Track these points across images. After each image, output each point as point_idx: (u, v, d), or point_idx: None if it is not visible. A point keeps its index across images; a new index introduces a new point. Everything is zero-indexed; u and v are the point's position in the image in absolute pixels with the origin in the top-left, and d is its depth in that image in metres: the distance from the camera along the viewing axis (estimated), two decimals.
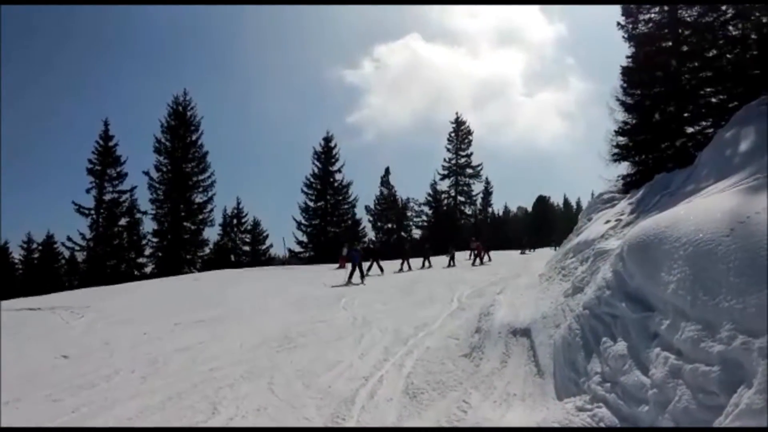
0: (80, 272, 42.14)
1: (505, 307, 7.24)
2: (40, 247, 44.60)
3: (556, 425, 3.47)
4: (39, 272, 41.52)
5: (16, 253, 44.53)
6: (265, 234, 50.12)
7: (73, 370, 6.60)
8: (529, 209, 70.92)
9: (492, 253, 26.64)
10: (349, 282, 17.07)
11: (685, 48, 10.56)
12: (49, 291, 21.65)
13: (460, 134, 56.64)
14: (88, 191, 43.20)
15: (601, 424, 3.27)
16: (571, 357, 4.07)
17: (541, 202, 67.97)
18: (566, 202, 75.65)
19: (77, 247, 42.91)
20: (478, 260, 23.95)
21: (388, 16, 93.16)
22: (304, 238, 49.35)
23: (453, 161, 56.55)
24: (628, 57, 11.40)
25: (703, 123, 10.30)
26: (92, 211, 42.97)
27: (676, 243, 3.21)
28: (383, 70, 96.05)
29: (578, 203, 69.59)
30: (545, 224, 56.36)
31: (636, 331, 3.40)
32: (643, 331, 3.34)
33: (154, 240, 44.98)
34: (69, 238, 42.51)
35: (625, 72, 11.33)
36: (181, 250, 44.06)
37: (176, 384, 5.68)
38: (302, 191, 50.66)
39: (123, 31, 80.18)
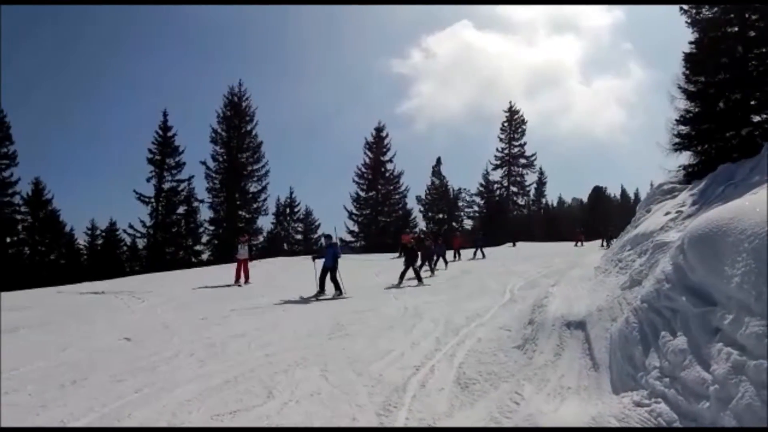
0: (141, 258, 43.67)
1: (559, 299, 7.14)
2: (103, 234, 46.47)
3: (612, 419, 3.41)
4: (102, 258, 43.22)
5: (81, 240, 46.45)
6: (317, 223, 50.94)
7: (135, 353, 6.84)
8: (585, 200, 69.41)
9: (545, 245, 26.11)
10: (319, 293, 12.82)
11: (752, 33, 10.10)
12: (112, 276, 22.47)
13: (514, 123, 55.90)
14: (148, 180, 44.94)
15: (660, 420, 3.19)
16: (629, 351, 3.98)
17: (597, 192, 66.27)
18: (623, 193, 73.54)
19: (138, 234, 44.79)
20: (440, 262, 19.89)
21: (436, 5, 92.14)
22: (356, 228, 49.91)
23: (506, 151, 55.91)
24: (691, 43, 10.98)
25: None
26: (152, 200, 44.64)
27: (741, 235, 3.09)
28: (433, 59, 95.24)
29: (636, 194, 67.55)
30: (601, 216, 54.93)
31: (697, 326, 3.30)
32: (704, 325, 3.24)
33: (211, 228, 46.42)
34: (130, 226, 44.43)
35: (688, 58, 10.92)
36: (236, 238, 45.06)
37: (233, 368, 5.82)
38: (354, 181, 51.23)
39: (181, 27, 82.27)
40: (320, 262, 13.26)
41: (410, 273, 14.93)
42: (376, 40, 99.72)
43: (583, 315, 5.84)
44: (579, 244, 32.01)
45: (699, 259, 3.49)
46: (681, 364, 3.25)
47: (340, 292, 12.60)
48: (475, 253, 24.95)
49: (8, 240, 41.08)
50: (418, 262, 15.94)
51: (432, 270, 17.88)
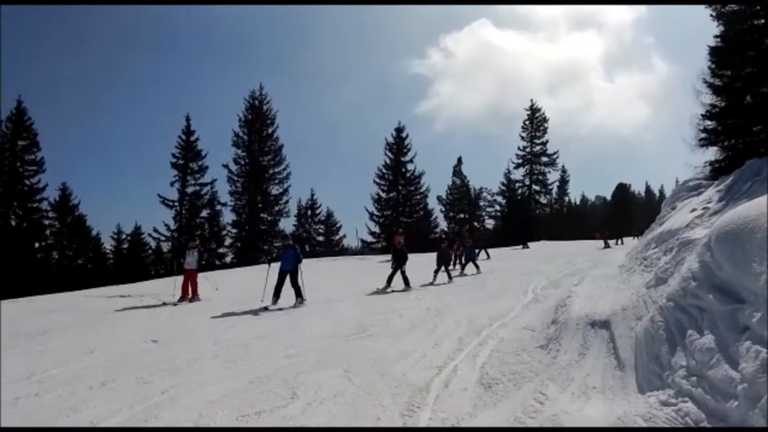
0: (165, 261, 44.22)
1: (582, 299, 7.07)
2: (129, 238, 47.16)
3: (638, 419, 3.37)
4: (128, 262, 43.81)
5: (108, 244, 47.19)
6: (338, 225, 51.21)
7: (160, 354, 6.93)
8: (608, 198, 68.59)
9: (568, 244, 25.73)
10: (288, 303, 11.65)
11: None
12: (138, 279, 22.76)
13: (535, 121, 55.43)
14: (172, 184, 45.54)
15: (687, 419, 3.14)
16: (655, 350, 3.93)
17: (621, 190, 65.39)
18: (648, 190, 72.51)
19: (162, 238, 45.47)
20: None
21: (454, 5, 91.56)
22: (377, 229, 49.87)
23: (527, 149, 55.47)
24: (716, 36, 10.77)
25: None
26: (176, 203, 45.24)
27: None
28: (451, 59, 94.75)
29: (661, 191, 66.54)
30: (625, 213, 54.21)
31: (724, 324, 3.25)
32: (732, 323, 3.19)
33: (233, 231, 46.83)
34: (155, 229, 45.11)
35: (714, 52, 10.72)
36: (258, 240, 45.46)
37: (257, 369, 5.88)
38: (374, 182, 51.22)
39: (204, 31, 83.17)
40: (276, 267, 11.98)
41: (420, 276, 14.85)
42: (395, 41, 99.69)
43: (608, 314, 5.77)
44: (605, 244, 30.48)
45: (726, 257, 3.44)
46: (708, 362, 3.20)
47: (302, 300, 11.49)
48: (478, 254, 24.75)
49: (37, 245, 41.90)
50: (406, 266, 14.30)
51: (462, 271, 17.51)
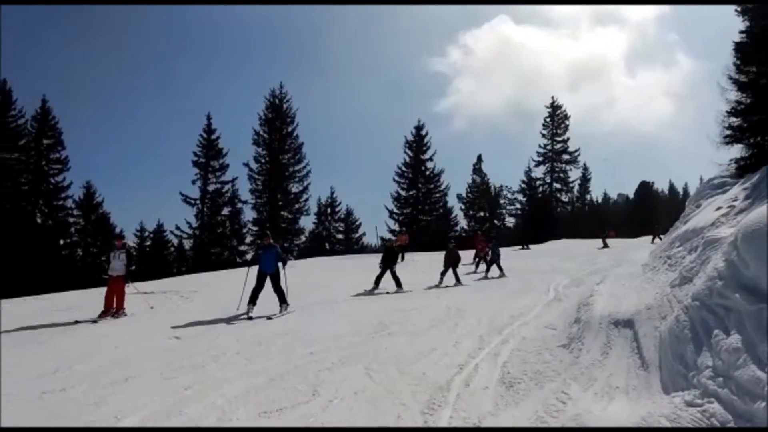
0: (187, 259, 44.67)
1: (605, 297, 7.01)
2: (151, 236, 47.66)
3: (663, 419, 3.33)
4: (151, 259, 44.30)
5: (131, 241, 47.70)
6: (357, 223, 51.28)
7: (184, 351, 7.00)
8: (631, 196, 67.75)
9: (589, 242, 25.31)
10: None
11: None
12: (160, 276, 22.99)
13: (556, 119, 54.88)
14: (193, 182, 46.00)
15: (713, 420, 3.10)
16: (680, 350, 3.88)
17: (644, 188, 64.55)
18: (672, 188, 71.41)
19: (184, 236, 45.97)
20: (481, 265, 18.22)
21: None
22: (396, 227, 49.75)
23: (548, 147, 54.96)
24: (741, 32, 10.59)
25: None
26: (197, 201, 45.70)
27: None
28: (471, 56, 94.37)
29: (685, 189, 65.44)
30: (648, 212, 53.45)
31: (751, 324, 3.20)
32: (759, 323, 3.13)
33: (254, 229, 47.07)
34: (177, 227, 45.56)
35: (739, 48, 10.54)
36: (278, 238, 45.69)
37: (278, 366, 5.91)
38: (394, 180, 51.18)
39: (224, 30, 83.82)
40: (255, 271, 10.56)
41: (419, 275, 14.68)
42: (414, 39, 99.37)
43: (631, 313, 5.71)
44: (603, 244, 28.83)
45: (753, 255, 3.38)
46: (735, 363, 3.15)
47: (286, 305, 10.28)
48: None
49: (62, 242, 42.59)
50: (397, 265, 13.94)
51: (486, 274, 16.57)
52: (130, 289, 11.57)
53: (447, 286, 13.86)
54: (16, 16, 70.62)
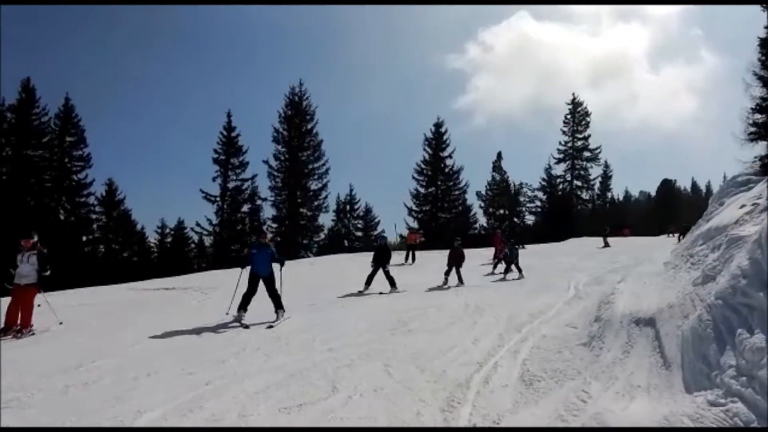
0: (208, 256, 45.06)
1: (626, 296, 6.95)
2: (172, 233, 48.15)
3: (685, 419, 3.30)
4: (172, 255, 44.79)
5: (152, 238, 48.33)
6: (377, 220, 51.24)
7: (204, 346, 7.07)
8: (653, 193, 66.94)
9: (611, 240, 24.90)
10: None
11: None
12: (181, 273, 23.22)
13: (577, 116, 54.37)
14: (213, 180, 46.42)
15: (736, 420, 3.07)
16: (702, 349, 3.84)
17: (666, 185, 63.75)
18: (694, 186, 70.49)
19: (205, 232, 46.42)
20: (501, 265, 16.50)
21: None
22: (415, 224, 49.71)
23: (569, 144, 54.49)
24: (766, 27, 10.44)
25: None
26: (218, 198, 46.09)
27: None
28: (490, 53, 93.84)
29: (708, 187, 64.59)
30: (670, 210, 52.77)
31: None
32: None
33: (274, 225, 47.31)
34: (198, 224, 46.01)
35: (764, 44, 10.40)
36: (298, 235, 45.96)
37: (298, 362, 5.94)
38: (413, 177, 51.17)
39: (243, 30, 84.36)
40: (247, 273, 9.46)
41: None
42: (431, 36, 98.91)
43: (653, 312, 5.66)
44: (605, 243, 27.78)
45: None
46: (759, 362, 3.12)
47: (283, 311, 9.16)
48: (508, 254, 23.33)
49: (84, 238, 43.23)
50: (389, 265, 13.11)
51: (504, 275, 15.21)
52: (40, 300, 9.21)
53: (449, 287, 13.26)
54: (39, 16, 71.58)
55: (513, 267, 15.27)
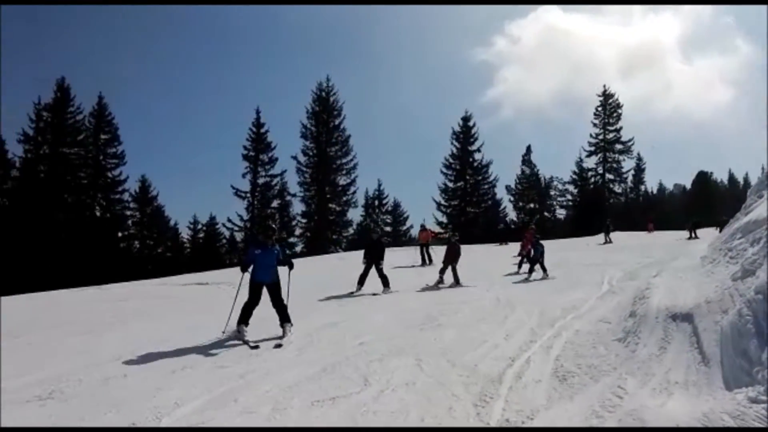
0: (239, 251, 45.71)
1: (662, 291, 6.81)
2: (204, 228, 48.98)
3: (725, 416, 3.21)
4: (204, 251, 45.54)
5: (185, 234, 49.21)
6: (405, 215, 51.28)
7: (237, 341, 7.15)
8: (688, 186, 65.54)
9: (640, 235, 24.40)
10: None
11: None
12: (212, 268, 23.53)
13: (608, 107, 53.57)
14: (243, 176, 47.17)
15: None
16: (742, 344, 3.75)
17: (702, 178, 62.31)
18: (731, 178, 68.68)
19: (236, 228, 47.12)
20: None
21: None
22: (444, 219, 49.69)
23: (600, 136, 53.76)
24: None
25: None
26: (248, 194, 46.71)
27: None
28: (517, 44, 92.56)
29: (746, 179, 62.78)
30: (707, 202, 51.58)
31: None
32: None
33: (303, 221, 47.82)
34: (229, 220, 46.93)
35: None
36: (327, 230, 46.26)
37: (329, 356, 5.99)
38: (441, 172, 51.24)
39: (271, 27, 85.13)
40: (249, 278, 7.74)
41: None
42: (458, 30, 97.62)
43: (690, 307, 5.53)
44: (604, 240, 27.26)
45: None
46: None
47: (290, 325, 7.55)
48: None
49: (119, 234, 44.20)
50: (383, 264, 12.11)
51: (528, 274, 13.90)
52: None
53: (443, 287, 12.53)
54: (74, 15, 73.16)
55: (537, 266, 14.11)
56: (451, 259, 13.04)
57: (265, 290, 7.61)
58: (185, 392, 4.92)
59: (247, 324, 7.40)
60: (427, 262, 18.35)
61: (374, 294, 11.44)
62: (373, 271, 11.98)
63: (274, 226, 8.14)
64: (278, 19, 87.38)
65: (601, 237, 28.34)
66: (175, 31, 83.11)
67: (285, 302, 7.64)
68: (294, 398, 4.61)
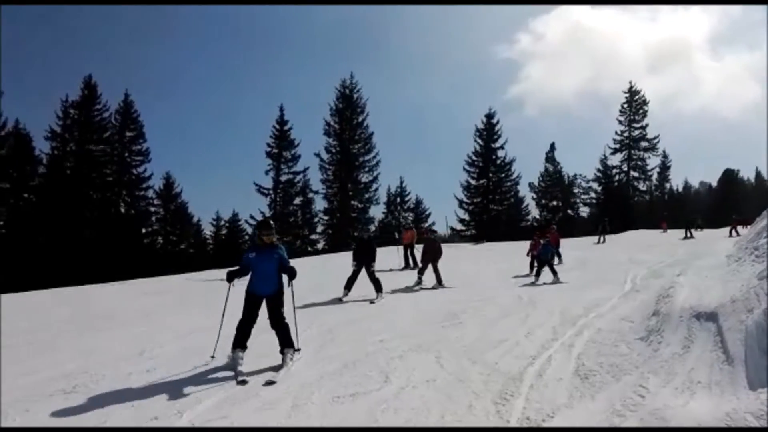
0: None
1: (686, 289, 6.73)
2: (227, 224, 49.47)
3: (749, 416, 3.17)
4: (226, 247, 45.96)
5: (208, 230, 49.74)
6: (427, 212, 51.20)
7: (257, 337, 7.18)
8: (714, 184, 64.45)
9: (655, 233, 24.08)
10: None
11: None
12: (235, 264, 23.64)
13: (634, 105, 52.84)
14: (266, 173, 47.48)
15: None
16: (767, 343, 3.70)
17: (729, 176, 61.23)
18: (758, 176, 67.37)
19: None
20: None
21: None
22: (466, 216, 49.62)
23: (625, 134, 53.11)
24: None
25: None
26: (270, 191, 47.04)
27: None
28: (541, 41, 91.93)
29: None
30: (733, 201, 50.68)
31: None
32: None
33: (325, 218, 48.08)
34: (251, 216, 47.27)
35: None
36: (349, 227, 46.37)
37: (350, 353, 6.02)
38: (464, 169, 51.09)
39: (295, 25, 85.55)
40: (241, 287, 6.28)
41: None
42: (481, 27, 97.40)
43: (715, 306, 5.46)
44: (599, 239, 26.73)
45: None
46: None
47: (292, 350, 5.96)
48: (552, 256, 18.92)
49: (144, 231, 44.82)
50: (374, 265, 10.87)
51: (536, 280, 12.64)
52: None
53: (423, 288, 12.02)
54: (100, 14, 74.25)
55: (546, 269, 13.01)
56: (431, 258, 12.34)
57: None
58: (206, 388, 5.00)
59: (244, 348, 5.86)
60: (411, 265, 16.49)
61: (370, 301, 10.10)
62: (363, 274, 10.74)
63: (274, 225, 5.63)
64: (306, 18, 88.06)
65: (607, 236, 27.50)
66: (201, 29, 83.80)
67: (286, 320, 6.02)
68: (314, 394, 4.65)
